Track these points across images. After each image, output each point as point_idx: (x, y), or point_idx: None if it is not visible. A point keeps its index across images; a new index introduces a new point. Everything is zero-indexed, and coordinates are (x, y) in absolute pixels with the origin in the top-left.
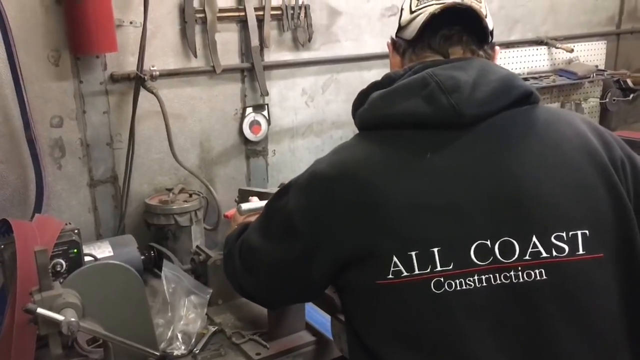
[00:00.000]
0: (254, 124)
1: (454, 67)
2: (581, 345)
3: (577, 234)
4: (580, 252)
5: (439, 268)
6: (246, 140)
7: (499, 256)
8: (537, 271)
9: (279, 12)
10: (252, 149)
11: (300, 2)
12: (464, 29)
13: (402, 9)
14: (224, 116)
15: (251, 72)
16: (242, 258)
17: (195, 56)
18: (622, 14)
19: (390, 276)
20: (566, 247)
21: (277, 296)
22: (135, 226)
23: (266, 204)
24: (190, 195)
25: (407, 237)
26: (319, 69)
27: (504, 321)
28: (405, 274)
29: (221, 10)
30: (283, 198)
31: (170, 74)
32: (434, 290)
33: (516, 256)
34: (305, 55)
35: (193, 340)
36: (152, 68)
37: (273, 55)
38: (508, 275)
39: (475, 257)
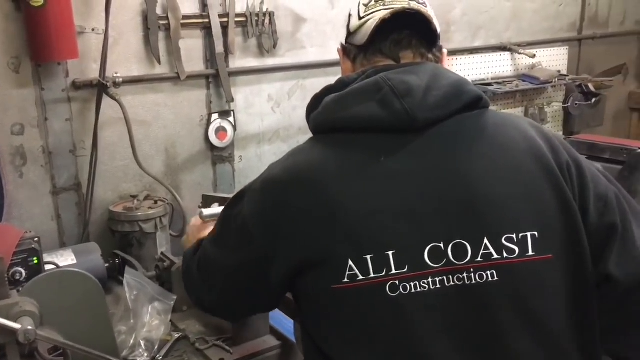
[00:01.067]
0: (220, 130)
1: (406, 72)
2: (532, 344)
3: (526, 235)
4: (530, 253)
5: (394, 271)
6: (212, 147)
7: (452, 258)
8: (488, 272)
9: (243, 19)
10: (219, 155)
11: (264, 9)
12: (413, 33)
13: (350, 15)
14: (190, 122)
15: (216, 78)
16: (200, 271)
17: (159, 63)
18: (584, 20)
19: (346, 280)
20: (516, 249)
21: (237, 308)
22: (100, 234)
23: (222, 211)
24: (156, 202)
25: (362, 241)
26: (284, 75)
27: (457, 322)
28: (360, 277)
29: (185, 17)
30: (238, 204)
31: (133, 81)
32: (389, 293)
33: (468, 258)
34: (270, 62)
35: (156, 347)
36: (115, 75)
37: (238, 61)
38: (461, 277)
39: (429, 259)
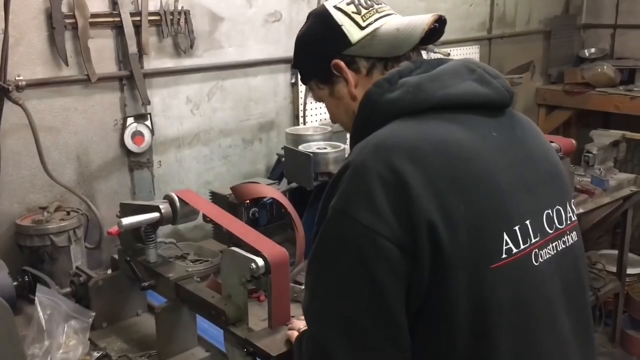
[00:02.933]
0: (137, 135)
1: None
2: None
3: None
4: (574, 218)
5: (532, 240)
6: (129, 152)
7: (557, 223)
8: (573, 234)
9: (157, 17)
10: (136, 161)
11: (179, 8)
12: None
13: (338, 26)
14: (103, 127)
15: (130, 80)
16: None
17: (67, 64)
18: (492, 20)
19: (504, 255)
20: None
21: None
22: (6, 250)
23: (312, 266)
24: (68, 213)
25: (510, 210)
26: (203, 76)
27: (567, 282)
28: (514, 250)
29: (93, 16)
30: (338, 224)
31: (39, 84)
32: (534, 262)
33: (564, 222)
34: (187, 62)
35: None
36: (17, 78)
37: (153, 62)
38: (564, 239)
39: (547, 226)
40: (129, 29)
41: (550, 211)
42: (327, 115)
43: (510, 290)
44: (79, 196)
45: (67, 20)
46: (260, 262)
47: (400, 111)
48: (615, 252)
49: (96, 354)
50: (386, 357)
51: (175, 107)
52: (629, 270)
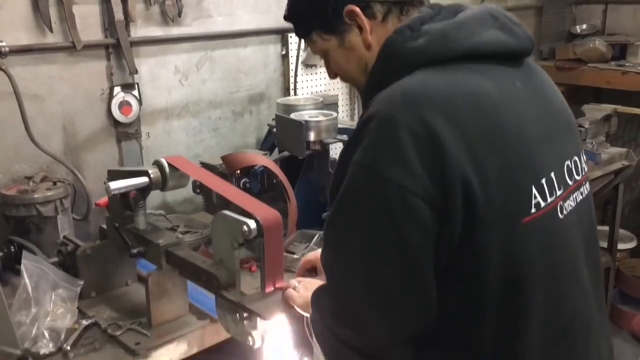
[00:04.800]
0: (124, 105)
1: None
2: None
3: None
4: (584, 170)
5: (558, 193)
6: (116, 122)
7: (575, 174)
8: (586, 184)
9: None
10: (124, 132)
11: None
12: None
13: None
14: (89, 97)
15: (117, 48)
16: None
17: (51, 31)
18: None
19: (533, 210)
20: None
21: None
22: None
23: (336, 221)
24: (55, 183)
25: (538, 163)
26: (191, 45)
27: (585, 232)
28: (542, 204)
29: None
30: (365, 180)
31: (22, 50)
32: (559, 215)
33: (580, 173)
34: (175, 31)
35: (62, 336)
36: (0, 44)
37: (140, 30)
38: (579, 192)
39: (568, 178)
40: None
41: (569, 162)
42: (319, 88)
43: (540, 244)
44: (66, 165)
45: None
46: (252, 224)
47: (425, 61)
48: (606, 228)
49: (85, 322)
50: (412, 317)
51: (163, 77)
52: (620, 246)
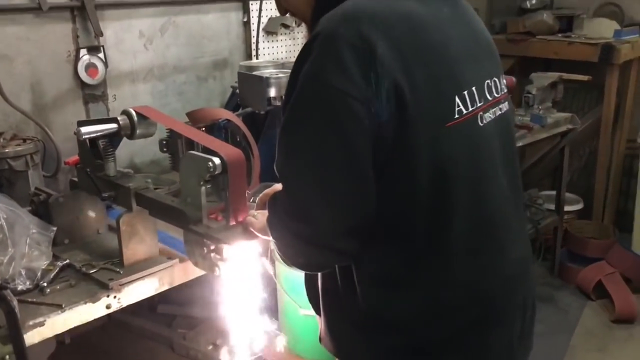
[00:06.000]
0: (90, 67)
1: None
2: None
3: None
4: (504, 90)
5: (478, 104)
6: (83, 84)
7: (494, 92)
8: (505, 103)
9: None
10: (91, 94)
11: None
12: None
13: None
14: (56, 58)
15: (82, 11)
16: (299, 207)
17: None
18: None
19: (457, 116)
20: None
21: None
22: None
23: (287, 128)
24: (24, 140)
25: (460, 77)
26: (155, 10)
27: (503, 143)
28: (464, 112)
29: None
30: (312, 88)
31: None
32: (479, 123)
33: (500, 91)
34: None
35: (39, 275)
36: None
37: None
38: (500, 107)
39: (487, 94)
40: None
41: (489, 81)
42: (280, 55)
43: (462, 146)
44: (36, 122)
45: None
46: (217, 161)
47: None
48: (555, 192)
49: (60, 264)
50: (353, 207)
51: (128, 41)
52: (568, 208)
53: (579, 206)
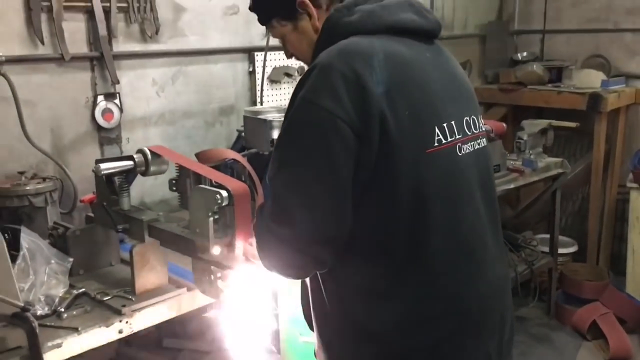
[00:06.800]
0: (106, 112)
1: None
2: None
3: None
4: (483, 129)
5: (457, 137)
6: (99, 128)
7: (473, 129)
8: (484, 139)
9: (125, 4)
10: (106, 137)
11: None
12: None
13: None
14: (75, 103)
15: (100, 61)
16: (285, 220)
17: (43, 43)
18: None
19: (436, 144)
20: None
21: (339, 227)
22: None
23: (280, 143)
24: (44, 179)
25: (439, 112)
26: (167, 60)
27: (480, 177)
28: (443, 141)
29: (67, 0)
30: (305, 109)
31: (17, 60)
32: (457, 153)
33: (477, 129)
34: (153, 47)
35: (56, 301)
36: None
37: (122, 45)
38: (477, 142)
39: (466, 129)
40: (99, 14)
41: (468, 118)
42: (283, 102)
43: (441, 170)
44: (55, 162)
45: (43, 3)
46: (224, 193)
47: (356, 31)
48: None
49: (76, 291)
50: (331, 218)
51: (142, 88)
52: (562, 250)
53: (574, 249)
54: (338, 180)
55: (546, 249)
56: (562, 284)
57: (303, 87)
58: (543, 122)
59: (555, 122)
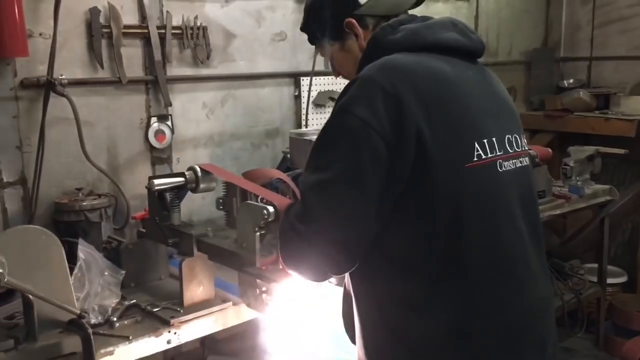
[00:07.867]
0: (159, 133)
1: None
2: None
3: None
4: (526, 148)
5: (497, 153)
6: (152, 148)
7: (515, 147)
8: (526, 158)
9: (179, 31)
10: (158, 157)
11: (198, 24)
12: None
13: None
14: (130, 124)
15: (155, 84)
16: (312, 222)
17: (102, 67)
18: None
19: (475, 159)
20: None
21: (364, 237)
22: (45, 227)
23: (314, 148)
24: (99, 196)
25: (480, 127)
26: (217, 84)
27: (522, 193)
28: (483, 157)
29: (126, 27)
30: (341, 117)
31: (78, 83)
32: (498, 169)
33: (521, 147)
34: (204, 72)
35: (109, 311)
36: (60, 77)
37: (175, 70)
38: (519, 160)
39: (508, 146)
40: (155, 40)
41: (510, 136)
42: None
43: (480, 185)
44: (111, 179)
45: (104, 30)
46: (271, 209)
47: (400, 48)
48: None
49: (127, 303)
50: (352, 221)
51: (193, 110)
52: (612, 280)
53: (623, 279)
54: (364, 188)
55: (594, 279)
56: (611, 315)
57: (344, 96)
58: (590, 149)
59: (602, 149)
